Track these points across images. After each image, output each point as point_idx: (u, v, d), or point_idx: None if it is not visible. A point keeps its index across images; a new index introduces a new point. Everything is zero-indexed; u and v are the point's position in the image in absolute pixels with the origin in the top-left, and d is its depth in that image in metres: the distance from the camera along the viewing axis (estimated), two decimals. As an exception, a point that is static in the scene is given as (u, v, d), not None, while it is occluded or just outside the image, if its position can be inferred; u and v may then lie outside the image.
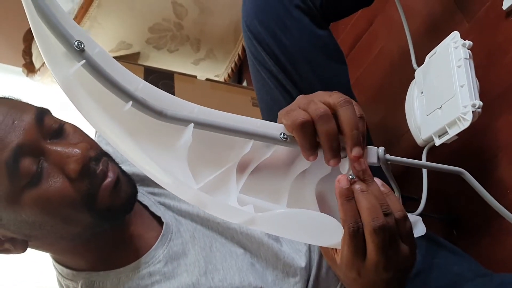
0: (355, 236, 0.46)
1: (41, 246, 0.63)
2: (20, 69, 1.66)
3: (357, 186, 0.47)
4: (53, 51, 0.39)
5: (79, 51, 0.39)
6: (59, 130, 0.59)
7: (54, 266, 0.67)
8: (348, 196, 0.46)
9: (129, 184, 0.62)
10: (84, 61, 0.39)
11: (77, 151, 0.56)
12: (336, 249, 0.49)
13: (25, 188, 0.54)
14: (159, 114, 0.43)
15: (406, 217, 0.48)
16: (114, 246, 0.64)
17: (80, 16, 1.42)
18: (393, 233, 0.47)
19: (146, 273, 0.63)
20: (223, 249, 0.67)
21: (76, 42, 0.39)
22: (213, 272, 0.64)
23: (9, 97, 0.61)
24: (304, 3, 0.82)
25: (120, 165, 0.63)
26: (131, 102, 0.42)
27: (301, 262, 0.69)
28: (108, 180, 0.58)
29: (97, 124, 0.43)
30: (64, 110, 0.63)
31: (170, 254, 0.65)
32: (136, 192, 0.63)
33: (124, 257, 0.64)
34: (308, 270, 0.69)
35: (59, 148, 0.57)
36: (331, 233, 0.47)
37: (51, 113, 0.60)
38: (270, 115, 0.88)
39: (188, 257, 0.65)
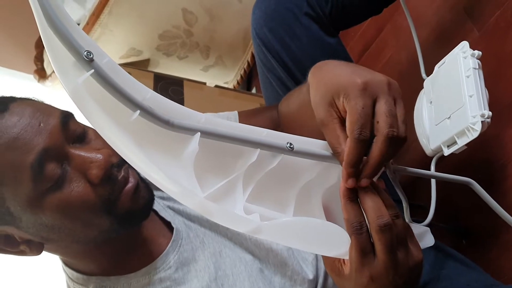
0: (359, 234, 0.45)
1: (56, 249, 0.63)
2: (31, 75, 1.68)
3: (362, 187, 0.46)
4: (62, 60, 0.40)
5: (88, 61, 0.39)
6: (82, 135, 0.59)
7: (64, 269, 0.67)
8: (352, 196, 0.46)
9: (147, 190, 0.62)
10: (93, 70, 0.40)
11: (100, 156, 0.57)
12: (344, 260, 0.49)
13: (47, 191, 0.55)
14: (166, 123, 0.43)
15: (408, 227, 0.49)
16: (126, 251, 0.65)
17: (91, 23, 1.44)
18: (402, 236, 0.46)
19: (157, 278, 0.63)
20: (232, 255, 0.67)
21: (85, 52, 0.39)
22: (223, 278, 0.64)
23: (33, 99, 0.61)
24: (313, 11, 0.83)
25: None
26: (138, 111, 0.42)
27: (309, 272, 0.68)
28: (130, 185, 0.59)
29: (104, 132, 0.43)
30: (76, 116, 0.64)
31: (180, 260, 0.65)
32: (153, 198, 0.63)
33: (135, 262, 0.64)
34: (315, 280, 0.69)
35: (82, 153, 0.57)
36: (338, 242, 0.47)
37: (75, 117, 0.60)
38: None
39: (198, 263, 0.65)
